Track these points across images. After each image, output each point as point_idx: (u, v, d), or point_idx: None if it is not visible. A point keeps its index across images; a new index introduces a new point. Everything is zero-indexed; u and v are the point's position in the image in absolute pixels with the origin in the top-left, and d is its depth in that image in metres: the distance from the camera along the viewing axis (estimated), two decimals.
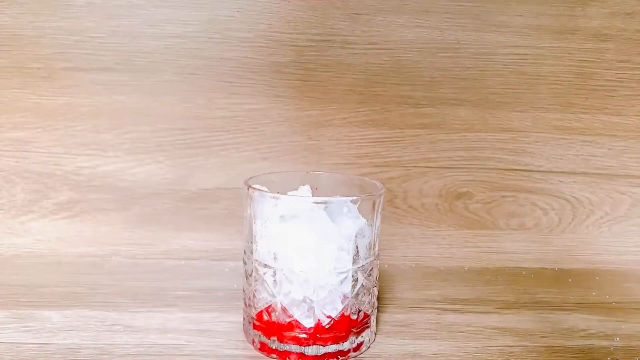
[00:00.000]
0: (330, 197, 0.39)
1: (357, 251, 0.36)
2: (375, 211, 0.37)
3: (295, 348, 0.36)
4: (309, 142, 0.57)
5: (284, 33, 0.55)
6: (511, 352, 0.39)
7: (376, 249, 0.38)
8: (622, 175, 0.59)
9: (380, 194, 0.38)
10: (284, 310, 0.36)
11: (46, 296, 0.45)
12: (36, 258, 0.54)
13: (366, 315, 0.38)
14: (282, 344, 0.36)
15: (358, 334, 0.38)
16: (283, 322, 0.36)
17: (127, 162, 0.56)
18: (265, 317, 0.37)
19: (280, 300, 0.36)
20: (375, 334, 0.41)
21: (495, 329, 0.43)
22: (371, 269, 0.38)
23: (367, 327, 0.39)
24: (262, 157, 0.57)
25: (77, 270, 0.51)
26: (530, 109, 0.58)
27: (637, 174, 0.59)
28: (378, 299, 0.40)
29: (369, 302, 0.38)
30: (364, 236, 0.37)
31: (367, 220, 0.37)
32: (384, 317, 0.44)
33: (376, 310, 0.40)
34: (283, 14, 0.54)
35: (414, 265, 0.58)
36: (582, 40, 0.57)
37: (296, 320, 0.36)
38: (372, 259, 0.38)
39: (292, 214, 0.35)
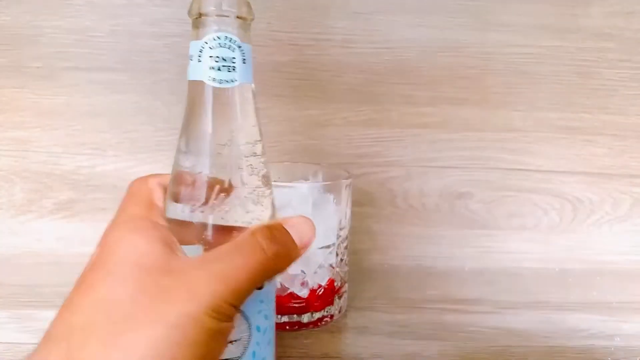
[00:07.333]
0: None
1: (340, 228, 0.42)
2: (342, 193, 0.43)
3: (292, 318, 0.41)
4: (309, 141, 0.57)
5: (283, 32, 0.55)
6: (511, 353, 0.39)
7: (346, 226, 0.44)
8: (622, 175, 0.59)
9: (343, 179, 0.43)
10: (280, 285, 0.40)
11: (46, 296, 0.45)
12: (36, 258, 0.54)
13: (343, 282, 0.44)
14: (280, 316, 0.40)
15: (340, 297, 0.44)
16: (281, 296, 0.40)
17: (126, 161, 0.56)
18: None
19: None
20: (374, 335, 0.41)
21: (495, 329, 0.43)
22: (346, 243, 0.44)
23: (345, 291, 0.45)
24: None
25: (77, 270, 0.51)
26: (531, 108, 0.58)
27: (638, 173, 0.59)
28: (377, 298, 0.41)
29: (345, 271, 0.44)
30: (338, 215, 0.42)
31: (335, 200, 0.42)
32: (384, 317, 0.44)
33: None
34: (283, 12, 0.54)
35: (414, 265, 0.58)
36: (583, 39, 0.57)
37: (292, 292, 0.40)
38: (345, 234, 0.44)
39: (288, 202, 0.40)
